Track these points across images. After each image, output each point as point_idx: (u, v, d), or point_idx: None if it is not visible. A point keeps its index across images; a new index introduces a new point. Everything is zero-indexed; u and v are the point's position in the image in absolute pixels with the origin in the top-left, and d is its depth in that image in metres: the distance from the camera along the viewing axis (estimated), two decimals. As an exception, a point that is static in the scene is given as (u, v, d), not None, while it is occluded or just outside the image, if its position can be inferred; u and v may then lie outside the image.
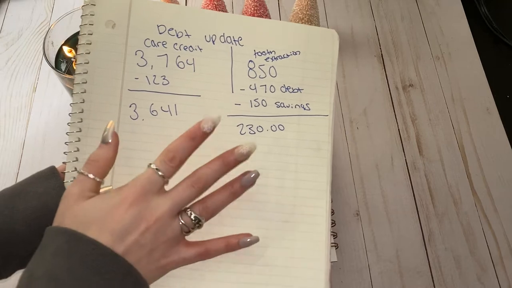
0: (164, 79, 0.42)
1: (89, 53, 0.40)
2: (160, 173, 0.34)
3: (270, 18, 0.67)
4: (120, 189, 0.34)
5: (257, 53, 0.45)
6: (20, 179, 0.60)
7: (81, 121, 0.40)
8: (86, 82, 0.40)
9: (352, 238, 0.57)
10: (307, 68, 0.45)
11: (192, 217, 0.34)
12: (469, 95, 0.67)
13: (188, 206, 0.35)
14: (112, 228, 0.32)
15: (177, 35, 0.43)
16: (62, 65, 0.59)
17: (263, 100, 0.44)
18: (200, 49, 0.43)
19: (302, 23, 0.65)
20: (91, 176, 0.34)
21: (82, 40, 0.41)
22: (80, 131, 0.40)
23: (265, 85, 0.44)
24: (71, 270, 0.30)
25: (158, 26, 0.43)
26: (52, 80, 0.68)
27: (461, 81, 0.68)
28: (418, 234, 0.56)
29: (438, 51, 0.71)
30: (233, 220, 0.40)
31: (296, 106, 0.44)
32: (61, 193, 0.36)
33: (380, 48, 0.71)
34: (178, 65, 0.42)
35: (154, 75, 0.42)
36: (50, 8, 0.75)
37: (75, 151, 0.40)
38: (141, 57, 0.42)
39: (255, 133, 0.43)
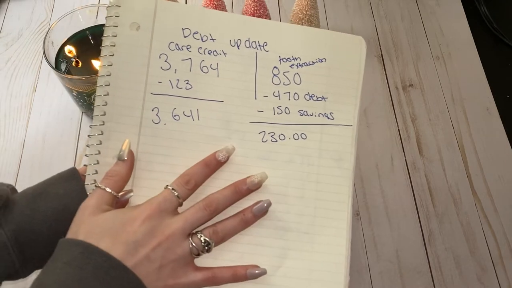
0: (187, 83, 0.41)
1: (112, 55, 0.40)
2: (176, 193, 0.36)
3: (270, 19, 0.67)
4: (136, 206, 0.35)
5: (282, 59, 0.43)
6: (20, 179, 0.60)
7: (103, 124, 0.39)
8: (109, 85, 0.40)
9: (352, 238, 0.57)
10: (332, 76, 0.44)
11: (202, 239, 0.35)
12: (469, 95, 0.67)
13: (199, 229, 0.37)
14: (125, 240, 0.33)
15: (201, 39, 0.42)
16: (62, 65, 0.59)
17: (286, 107, 0.43)
18: (225, 54, 0.42)
19: (302, 23, 0.65)
20: (108, 190, 0.36)
21: (106, 42, 0.40)
22: (102, 134, 0.39)
23: (289, 93, 0.43)
24: (81, 281, 0.30)
25: (183, 29, 0.42)
26: (52, 80, 0.68)
27: (461, 81, 0.68)
28: (418, 234, 0.56)
29: (438, 51, 0.71)
30: (252, 229, 0.40)
31: (320, 115, 0.43)
32: (82, 195, 0.37)
33: (380, 48, 0.71)
34: (202, 70, 0.42)
35: (178, 79, 0.41)
36: (50, 8, 0.75)
37: (96, 154, 0.39)
38: (165, 61, 0.41)
39: (277, 141, 0.42)
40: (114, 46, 0.40)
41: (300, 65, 0.44)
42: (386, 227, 0.57)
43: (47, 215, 0.38)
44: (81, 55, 0.60)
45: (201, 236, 0.36)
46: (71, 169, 0.41)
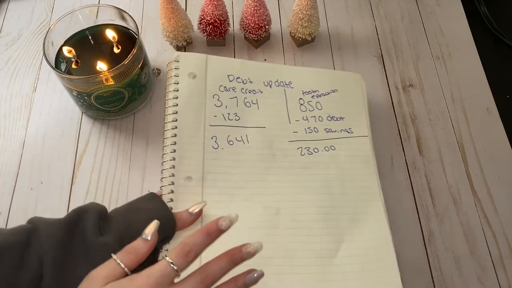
0: (236, 115, 0.53)
1: (176, 98, 0.51)
2: (174, 266, 0.35)
3: (270, 18, 0.67)
4: (134, 279, 0.35)
5: (305, 92, 0.56)
6: (20, 179, 0.60)
7: (174, 152, 0.48)
8: (176, 121, 0.50)
9: (352, 238, 0.57)
10: (344, 102, 0.57)
11: None
12: (469, 95, 0.67)
13: None
14: None
15: (242, 82, 0.54)
16: (62, 65, 0.59)
17: (314, 127, 0.54)
18: (261, 92, 0.55)
19: (302, 23, 0.65)
20: (122, 265, 0.36)
21: (170, 88, 0.51)
22: (174, 159, 0.48)
23: (315, 116, 0.55)
24: None
25: (228, 76, 0.54)
26: (52, 80, 0.68)
27: (461, 81, 0.68)
28: (418, 234, 0.56)
29: (438, 51, 0.71)
30: (306, 223, 0.49)
31: (342, 130, 0.55)
32: (164, 212, 0.43)
33: (380, 48, 0.71)
34: (245, 105, 0.53)
35: (228, 113, 0.52)
36: (50, 8, 0.75)
37: (170, 176, 0.48)
38: (217, 100, 0.52)
39: (312, 153, 0.53)
40: (177, 91, 0.51)
41: (319, 96, 0.56)
42: (386, 227, 0.57)
43: (141, 226, 0.39)
44: (81, 55, 0.60)
45: None
46: (150, 193, 0.47)
